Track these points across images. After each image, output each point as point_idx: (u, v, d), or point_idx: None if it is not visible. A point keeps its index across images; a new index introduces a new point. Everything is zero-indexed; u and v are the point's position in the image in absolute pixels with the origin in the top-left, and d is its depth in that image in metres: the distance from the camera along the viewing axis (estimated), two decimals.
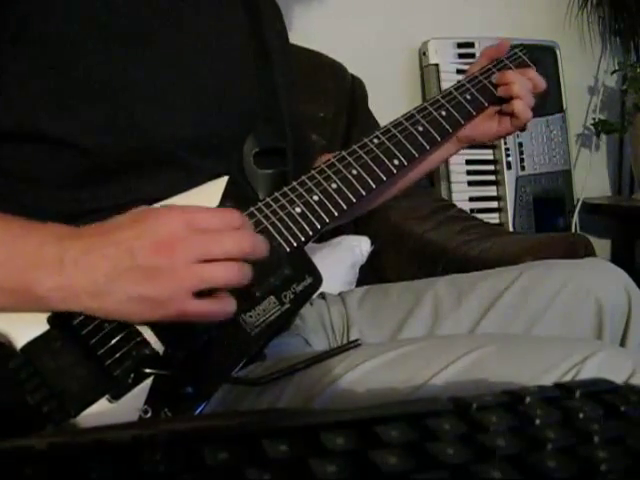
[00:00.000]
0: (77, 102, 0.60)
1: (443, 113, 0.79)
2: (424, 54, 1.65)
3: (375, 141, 0.74)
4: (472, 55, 1.64)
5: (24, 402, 0.51)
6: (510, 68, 0.86)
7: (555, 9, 1.86)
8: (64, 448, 0.23)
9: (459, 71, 1.62)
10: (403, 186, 0.92)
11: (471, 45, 1.65)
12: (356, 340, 0.62)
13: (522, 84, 0.83)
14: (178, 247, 0.52)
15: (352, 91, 1.41)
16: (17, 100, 0.59)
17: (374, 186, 0.72)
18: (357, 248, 1.23)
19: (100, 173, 0.61)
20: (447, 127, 0.79)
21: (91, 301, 0.52)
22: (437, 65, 1.62)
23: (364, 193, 0.71)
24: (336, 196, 0.69)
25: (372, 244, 1.26)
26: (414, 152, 0.76)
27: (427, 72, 1.65)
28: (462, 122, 0.81)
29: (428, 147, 0.77)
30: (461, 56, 1.64)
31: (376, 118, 1.41)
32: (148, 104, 0.63)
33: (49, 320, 0.53)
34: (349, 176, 0.70)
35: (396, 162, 0.74)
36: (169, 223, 0.52)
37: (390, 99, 1.60)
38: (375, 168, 0.72)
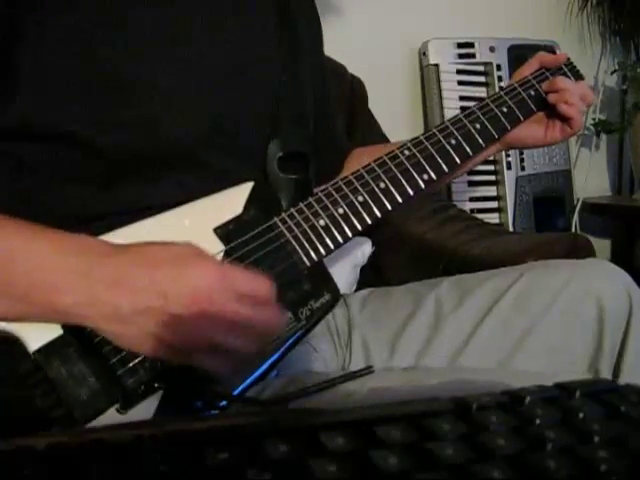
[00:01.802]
0: (95, 101, 0.59)
1: (477, 126, 0.77)
2: (424, 54, 1.65)
3: (406, 153, 0.72)
4: (472, 55, 1.64)
5: (33, 407, 0.50)
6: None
7: (555, 9, 1.86)
8: (64, 448, 0.23)
9: (459, 71, 1.62)
10: (438, 185, 0.88)
11: (471, 45, 1.65)
12: (369, 367, 0.62)
13: (575, 91, 0.82)
14: (211, 311, 0.51)
15: (352, 91, 1.41)
16: (34, 99, 0.58)
17: (401, 201, 0.70)
18: (358, 249, 1.22)
19: (119, 174, 0.61)
20: (480, 141, 0.77)
21: (107, 324, 0.51)
22: (437, 65, 1.62)
23: (390, 207, 0.69)
24: (362, 210, 0.67)
25: (373, 245, 1.25)
26: (444, 167, 0.74)
27: (427, 72, 1.65)
28: (496, 136, 0.79)
29: (459, 161, 0.75)
30: (461, 56, 1.63)
31: (376, 118, 1.41)
32: (169, 104, 0.62)
33: (63, 325, 0.53)
34: (376, 189, 0.69)
35: (425, 177, 0.72)
36: (210, 281, 0.51)
37: (390, 99, 1.60)
38: (404, 182, 0.71)
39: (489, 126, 0.78)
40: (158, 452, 0.22)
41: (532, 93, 0.83)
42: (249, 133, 0.68)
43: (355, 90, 1.42)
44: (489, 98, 0.81)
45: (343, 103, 1.38)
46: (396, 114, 1.62)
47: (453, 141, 0.75)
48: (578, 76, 0.88)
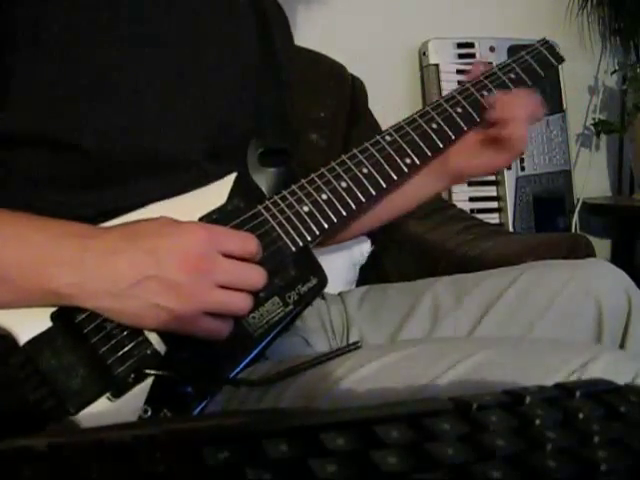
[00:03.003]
0: (84, 104, 0.59)
1: (459, 110, 0.77)
2: (424, 54, 1.65)
3: (387, 138, 0.73)
4: (472, 55, 1.64)
5: (25, 399, 0.51)
6: (528, 65, 0.83)
7: (555, 9, 1.86)
8: (64, 448, 0.23)
9: (459, 71, 1.62)
10: (386, 218, 0.88)
11: (471, 45, 1.65)
12: (356, 342, 0.62)
13: (521, 107, 0.78)
14: (205, 268, 0.53)
15: (352, 91, 1.41)
16: (23, 102, 0.58)
17: (384, 185, 0.70)
18: (357, 248, 1.22)
19: (106, 176, 0.61)
20: (462, 125, 0.77)
21: (108, 301, 0.52)
22: (437, 65, 1.62)
23: (374, 192, 0.69)
24: (345, 195, 0.68)
25: (372, 244, 1.25)
26: (427, 151, 0.74)
27: (427, 72, 1.65)
28: (477, 120, 0.79)
29: (442, 145, 0.75)
30: (461, 56, 1.64)
31: (376, 118, 1.41)
32: (156, 106, 0.62)
33: (52, 317, 0.53)
34: (359, 175, 0.69)
35: (408, 161, 0.72)
36: (198, 241, 0.54)
37: (390, 99, 1.60)
38: (386, 167, 0.71)
39: (470, 109, 0.78)
40: (158, 452, 0.22)
41: (512, 77, 0.82)
42: (239, 133, 0.68)
43: (355, 90, 1.42)
44: (469, 82, 0.81)
45: (343, 103, 1.38)
46: (396, 114, 1.62)
47: (434, 125, 0.75)
48: (559, 59, 0.87)
